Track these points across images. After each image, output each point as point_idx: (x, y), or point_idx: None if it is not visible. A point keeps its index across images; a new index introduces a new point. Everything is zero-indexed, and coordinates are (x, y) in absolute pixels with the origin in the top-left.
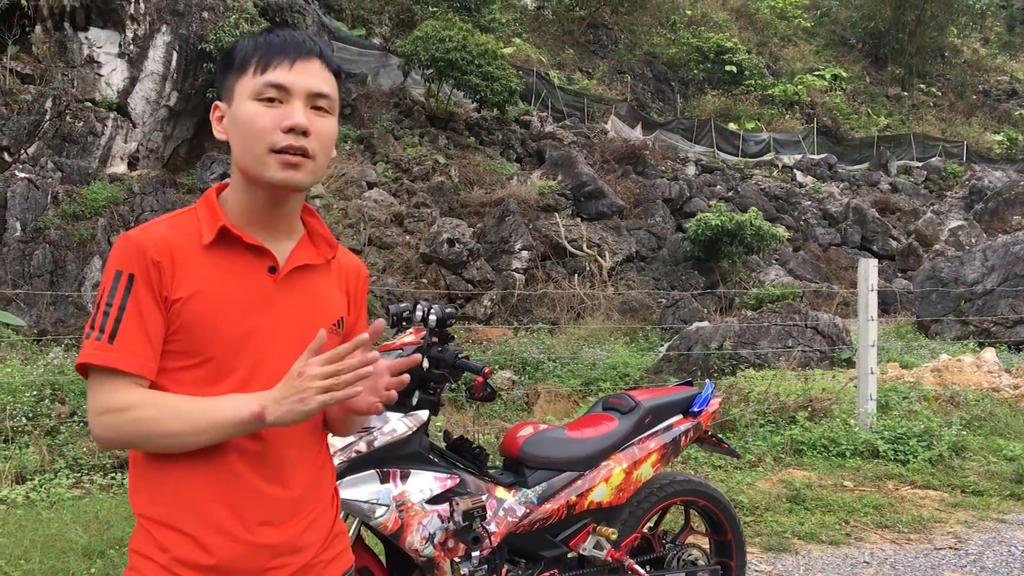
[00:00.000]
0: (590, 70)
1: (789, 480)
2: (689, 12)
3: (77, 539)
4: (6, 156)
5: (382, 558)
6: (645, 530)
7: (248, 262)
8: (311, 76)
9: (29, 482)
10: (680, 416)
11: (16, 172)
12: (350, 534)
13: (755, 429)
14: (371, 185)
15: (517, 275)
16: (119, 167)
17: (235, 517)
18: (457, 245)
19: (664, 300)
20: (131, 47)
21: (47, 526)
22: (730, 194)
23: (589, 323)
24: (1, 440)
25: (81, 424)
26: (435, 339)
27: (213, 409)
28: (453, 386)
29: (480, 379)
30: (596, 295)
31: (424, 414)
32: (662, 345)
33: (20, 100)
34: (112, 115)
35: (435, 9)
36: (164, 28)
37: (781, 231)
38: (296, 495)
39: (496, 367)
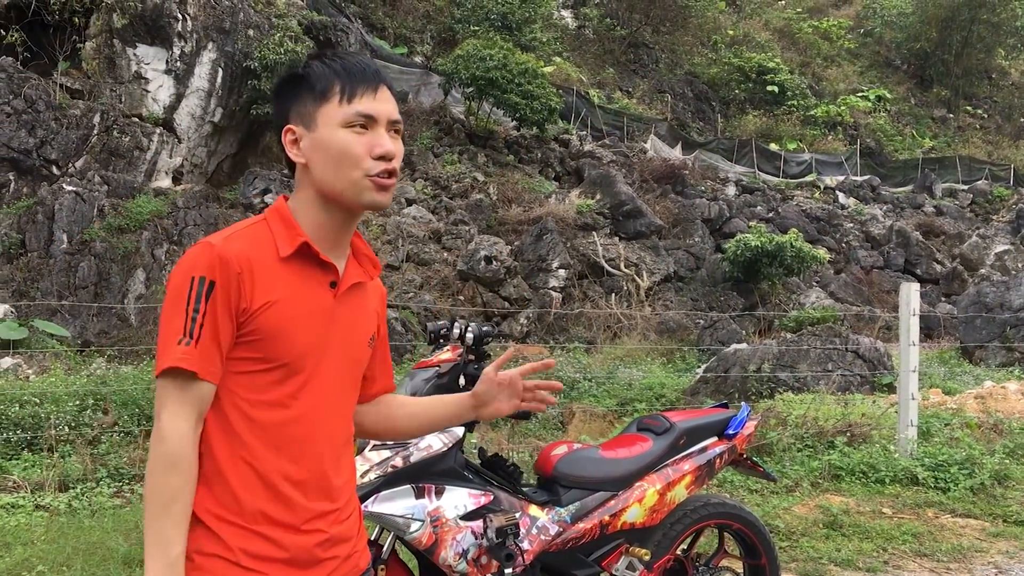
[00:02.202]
0: (630, 89)
1: (826, 505)
2: (731, 32)
3: (117, 547)
4: (55, 169)
5: (416, 573)
6: (679, 552)
7: (316, 276)
8: (389, 103)
9: (72, 490)
10: (715, 438)
11: (64, 185)
12: (385, 548)
13: (792, 453)
14: (410, 202)
15: (554, 293)
16: (164, 181)
17: (292, 511)
18: (494, 263)
19: (702, 321)
20: (178, 64)
21: (88, 534)
22: (771, 215)
23: (626, 343)
24: (44, 449)
25: (123, 434)
26: (472, 357)
27: (161, 541)
28: None
29: None
30: (633, 315)
31: (459, 431)
32: (699, 366)
33: (69, 115)
34: (158, 130)
35: (476, 28)
36: (210, 45)
37: (822, 253)
38: (340, 485)
39: None
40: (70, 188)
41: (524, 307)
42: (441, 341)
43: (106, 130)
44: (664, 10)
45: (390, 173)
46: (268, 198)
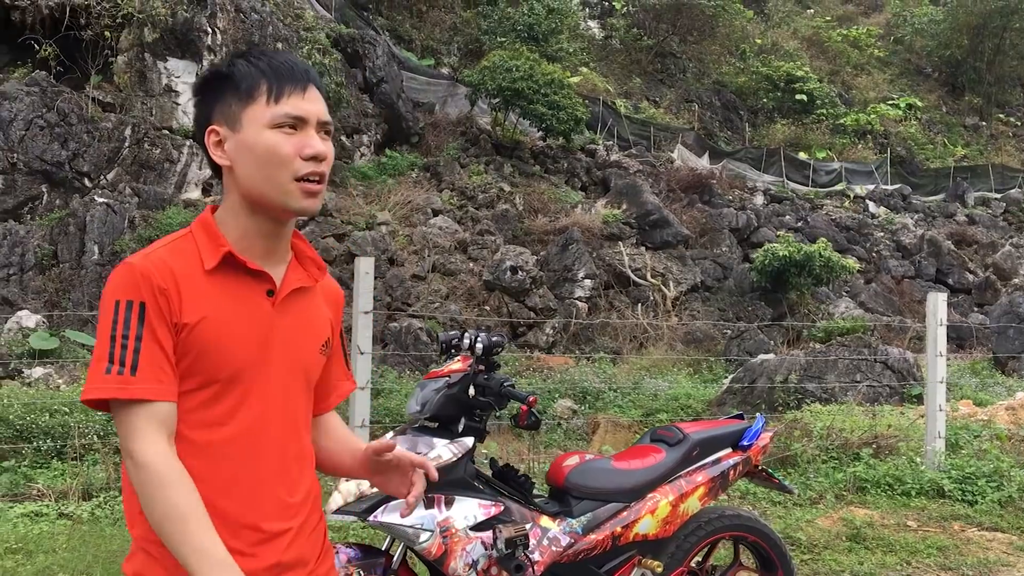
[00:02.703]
0: (657, 99)
1: (850, 518)
2: (759, 41)
3: None
4: (87, 182)
5: None
6: (693, 564)
7: (249, 286)
8: (318, 103)
9: (95, 499)
10: (729, 450)
11: (95, 197)
12: (396, 558)
13: (817, 465)
14: (436, 212)
15: (580, 304)
16: (193, 193)
17: (235, 534)
18: (520, 273)
19: (729, 331)
20: None
21: (110, 542)
22: (799, 224)
23: (652, 353)
24: (72, 458)
25: None
26: (482, 367)
27: (199, 550)
28: (498, 413)
29: (524, 407)
30: (659, 325)
31: (469, 441)
32: (726, 377)
33: (101, 128)
34: (188, 142)
35: (503, 40)
36: None
37: (852, 263)
38: (295, 502)
39: (556, 396)
40: (101, 200)
41: (550, 317)
42: (452, 351)
43: (137, 143)
44: (691, 20)
45: (320, 177)
46: None
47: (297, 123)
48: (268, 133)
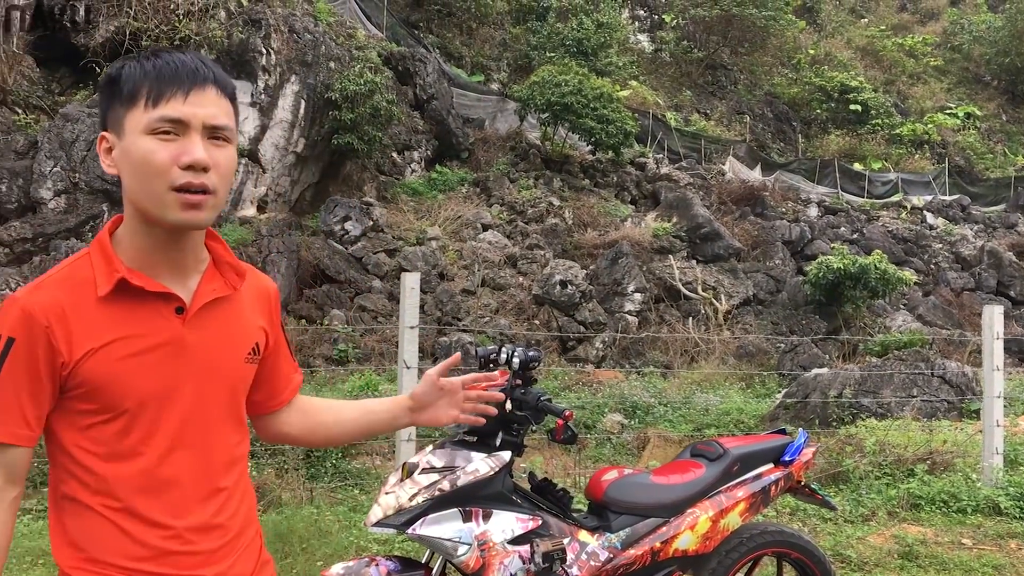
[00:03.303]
0: (708, 111)
1: (902, 535)
2: (812, 51)
3: None
4: None
5: None
6: None
7: (152, 307)
8: (207, 106)
9: None
10: (771, 465)
11: None
12: (435, 571)
13: (870, 481)
14: (486, 227)
15: (630, 317)
16: (249, 210)
17: (168, 560)
18: (569, 287)
19: (782, 345)
20: (262, 96)
21: None
22: (855, 236)
23: (703, 367)
24: None
25: None
26: (519, 381)
27: None
28: (535, 428)
29: (561, 421)
30: (711, 339)
31: (507, 455)
32: (779, 392)
33: None
34: (244, 161)
35: (552, 55)
36: (293, 78)
37: (909, 275)
38: (221, 522)
39: (605, 410)
40: None
41: (599, 331)
42: (490, 366)
43: None
44: (742, 31)
45: (203, 188)
46: (348, 225)
47: (177, 127)
48: (144, 139)
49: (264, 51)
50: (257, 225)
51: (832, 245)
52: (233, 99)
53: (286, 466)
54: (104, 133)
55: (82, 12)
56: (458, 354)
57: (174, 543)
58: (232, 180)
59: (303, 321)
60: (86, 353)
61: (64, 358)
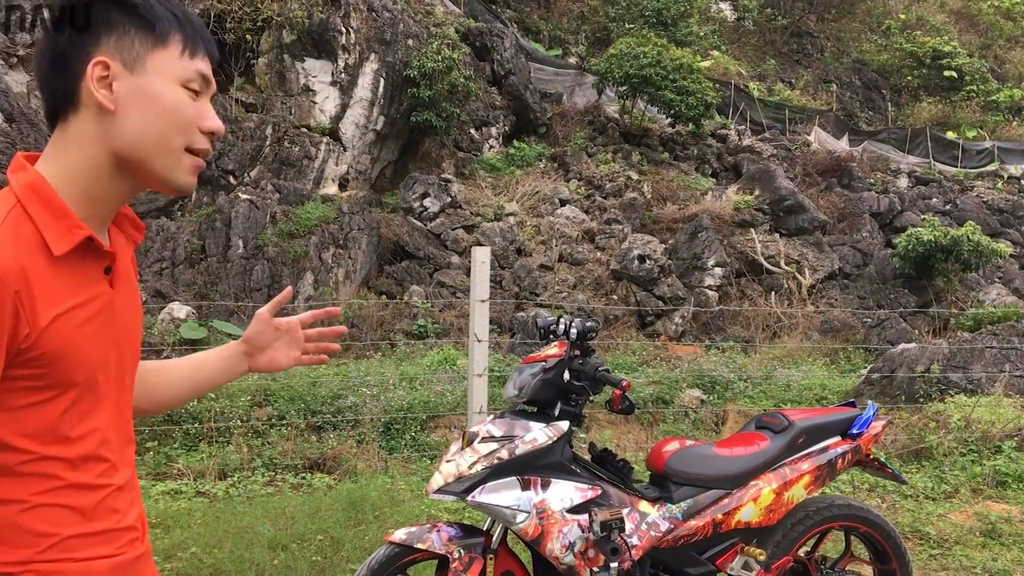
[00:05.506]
0: (792, 80)
1: (985, 513)
2: (903, 16)
3: (265, 532)
4: (231, 179)
5: (530, 564)
6: (801, 554)
7: (89, 268)
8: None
9: (230, 478)
10: (838, 438)
11: (240, 194)
12: (495, 538)
13: (955, 458)
14: (563, 202)
15: (710, 292)
16: (330, 188)
17: (98, 538)
18: (648, 261)
19: (869, 320)
20: (342, 75)
21: (240, 519)
22: (947, 207)
23: (786, 343)
24: (208, 441)
25: (280, 427)
26: (577, 352)
27: None
28: (592, 398)
29: (618, 392)
30: (794, 313)
31: (565, 425)
32: (864, 367)
33: (244, 128)
34: (325, 139)
35: (631, 26)
36: (372, 56)
37: (1004, 247)
38: (127, 487)
39: (683, 385)
40: (245, 197)
41: (678, 306)
42: (551, 337)
43: (277, 141)
44: None
45: (208, 155)
46: (427, 201)
47: (203, 88)
48: (177, 89)
49: (343, 30)
50: (338, 203)
51: (923, 217)
52: None
53: (364, 437)
54: (103, 58)
55: None
56: (289, 288)
57: (103, 523)
58: None
59: (383, 296)
60: (45, 323)
61: (28, 329)
